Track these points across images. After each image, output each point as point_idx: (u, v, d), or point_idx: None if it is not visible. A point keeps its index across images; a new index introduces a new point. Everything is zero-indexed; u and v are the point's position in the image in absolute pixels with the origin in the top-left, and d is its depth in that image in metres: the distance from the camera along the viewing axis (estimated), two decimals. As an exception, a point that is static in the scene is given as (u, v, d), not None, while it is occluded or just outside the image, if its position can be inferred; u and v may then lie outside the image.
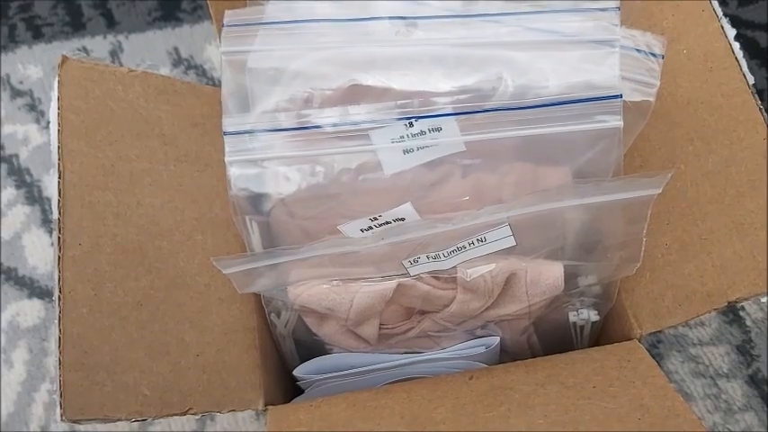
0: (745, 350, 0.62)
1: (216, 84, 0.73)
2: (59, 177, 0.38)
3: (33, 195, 0.71)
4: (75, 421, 0.35)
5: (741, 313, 0.63)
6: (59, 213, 0.38)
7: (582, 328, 0.43)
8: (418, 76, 0.37)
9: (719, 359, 0.62)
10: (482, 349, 0.42)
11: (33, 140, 0.73)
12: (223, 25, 0.39)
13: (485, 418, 0.36)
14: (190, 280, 0.40)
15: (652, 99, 0.36)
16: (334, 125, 0.37)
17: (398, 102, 0.37)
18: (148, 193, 0.41)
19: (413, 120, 0.37)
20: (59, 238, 0.37)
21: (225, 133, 0.38)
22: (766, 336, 0.62)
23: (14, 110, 0.74)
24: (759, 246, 0.38)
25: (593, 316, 0.42)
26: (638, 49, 0.36)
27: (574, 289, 0.40)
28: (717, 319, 0.63)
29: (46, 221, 0.70)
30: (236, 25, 0.39)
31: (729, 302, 0.37)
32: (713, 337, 0.62)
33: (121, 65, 0.73)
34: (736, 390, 0.61)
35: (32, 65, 0.76)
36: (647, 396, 0.35)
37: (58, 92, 0.40)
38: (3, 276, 0.69)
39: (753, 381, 0.61)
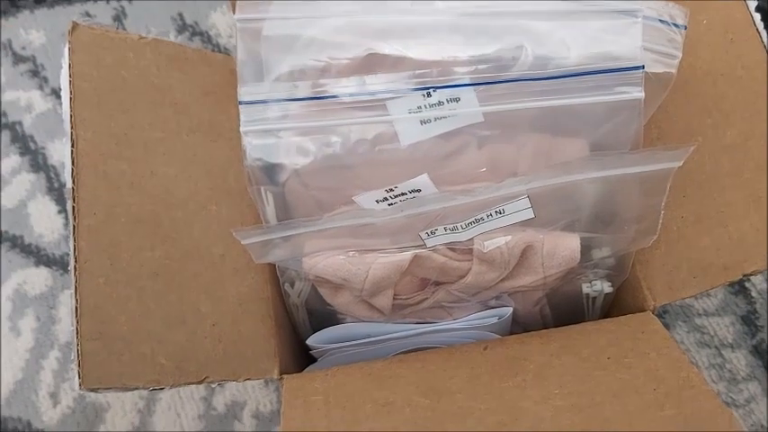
0: (749, 321, 0.62)
1: (222, 51, 0.72)
2: (72, 146, 0.38)
3: (38, 163, 0.71)
4: (93, 390, 0.35)
5: (747, 284, 0.63)
6: (73, 183, 0.37)
7: (594, 299, 0.43)
8: (437, 45, 0.37)
9: (724, 329, 0.62)
10: (494, 320, 0.42)
11: (37, 107, 0.72)
12: (237, -9, 0.39)
13: (500, 389, 0.36)
14: (204, 250, 0.40)
15: (674, 71, 0.36)
16: (351, 95, 0.37)
17: (416, 71, 0.36)
18: (162, 163, 0.40)
19: (431, 90, 0.36)
20: (74, 207, 0.37)
21: (240, 102, 0.37)
22: (771, 307, 0.63)
23: (17, 76, 0.73)
24: (776, 219, 0.38)
25: (607, 287, 0.42)
26: (661, 20, 0.36)
27: (588, 261, 0.40)
28: (722, 290, 0.63)
29: (51, 189, 0.70)
30: (250, -8, 0.38)
31: (745, 275, 0.38)
32: (719, 308, 0.63)
33: (125, 30, 0.72)
34: (740, 359, 0.61)
35: (35, 30, 0.74)
36: (662, 367, 0.35)
37: (69, 59, 0.39)
38: (8, 244, 0.68)
39: (757, 351, 0.61)
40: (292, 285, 0.42)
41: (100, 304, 0.36)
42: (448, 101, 0.36)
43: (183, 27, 0.74)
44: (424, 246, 0.38)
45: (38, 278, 0.68)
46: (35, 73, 0.73)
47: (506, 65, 0.36)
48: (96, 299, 0.36)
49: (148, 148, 0.40)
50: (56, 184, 0.70)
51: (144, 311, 0.37)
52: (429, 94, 0.36)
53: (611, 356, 0.37)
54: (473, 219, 0.37)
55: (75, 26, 0.40)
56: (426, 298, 0.42)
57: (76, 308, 0.36)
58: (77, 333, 0.35)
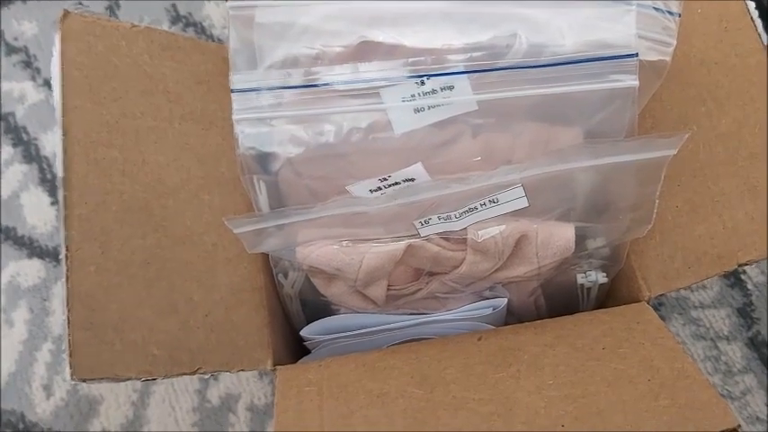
0: (745, 313, 0.62)
1: (216, 41, 0.72)
2: (63, 134, 0.38)
3: (31, 154, 0.70)
4: (84, 380, 0.35)
5: (743, 276, 0.63)
6: (64, 171, 0.37)
7: (589, 289, 0.43)
8: (430, 32, 0.36)
9: (720, 322, 0.62)
10: (489, 310, 0.42)
11: (30, 98, 0.72)
12: (229, -21, 0.38)
13: (494, 379, 0.36)
14: (197, 239, 0.40)
15: (668, 58, 0.36)
16: (344, 83, 0.37)
17: (410, 59, 0.36)
18: (154, 151, 0.40)
19: (424, 78, 0.36)
20: (65, 196, 0.37)
21: (233, 90, 0.37)
22: (766, 299, 0.62)
23: (9, 67, 0.73)
24: (771, 208, 0.38)
25: (601, 278, 0.42)
26: (655, 7, 0.35)
27: (583, 251, 0.40)
28: (718, 283, 0.63)
29: (44, 180, 0.70)
30: (242, -21, 0.38)
31: (740, 265, 0.37)
32: (714, 300, 0.63)
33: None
34: (736, 352, 0.61)
35: (27, 21, 0.74)
36: (657, 357, 0.35)
37: (60, 47, 0.39)
38: (1, 236, 0.68)
39: (753, 343, 0.61)
40: (286, 276, 0.42)
41: (91, 293, 0.36)
42: (442, 89, 0.36)
43: (176, 18, 0.73)
44: (417, 235, 0.38)
45: (31, 270, 0.67)
46: (28, 64, 0.73)
47: (500, 53, 0.36)
48: (87, 287, 0.36)
49: (140, 137, 0.40)
50: (48, 176, 0.70)
51: (135, 300, 0.37)
52: (423, 82, 0.36)
53: (605, 347, 0.37)
54: (467, 208, 0.36)
55: (66, 14, 0.40)
56: (420, 288, 0.41)
57: (67, 296, 0.35)
58: (68, 322, 0.35)
